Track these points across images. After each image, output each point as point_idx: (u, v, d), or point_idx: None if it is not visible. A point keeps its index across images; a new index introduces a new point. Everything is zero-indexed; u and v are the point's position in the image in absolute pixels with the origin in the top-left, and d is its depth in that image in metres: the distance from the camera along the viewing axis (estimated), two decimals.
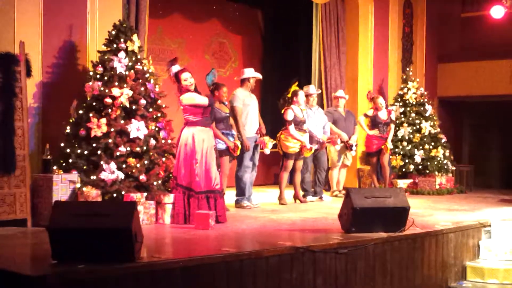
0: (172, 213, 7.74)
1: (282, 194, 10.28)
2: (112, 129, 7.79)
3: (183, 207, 7.75)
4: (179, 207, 7.74)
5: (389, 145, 11.86)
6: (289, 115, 10.00)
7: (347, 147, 11.52)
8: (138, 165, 7.78)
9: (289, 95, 10.13)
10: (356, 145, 11.62)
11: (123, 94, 7.90)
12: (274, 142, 9.97)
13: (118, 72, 8.06)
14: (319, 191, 11.05)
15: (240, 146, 9.08)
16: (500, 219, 8.57)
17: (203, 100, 7.90)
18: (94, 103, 7.93)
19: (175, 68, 8.00)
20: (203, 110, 7.91)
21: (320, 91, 12.01)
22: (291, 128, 9.97)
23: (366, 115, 12.02)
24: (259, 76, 9.95)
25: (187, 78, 7.90)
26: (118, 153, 7.74)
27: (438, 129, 13.56)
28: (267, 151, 9.79)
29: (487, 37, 14.88)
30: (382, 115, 11.86)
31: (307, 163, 10.66)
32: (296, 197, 10.48)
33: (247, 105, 9.68)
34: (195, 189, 7.77)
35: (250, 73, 9.85)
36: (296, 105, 10.10)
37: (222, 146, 8.80)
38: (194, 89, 7.96)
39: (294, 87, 10.17)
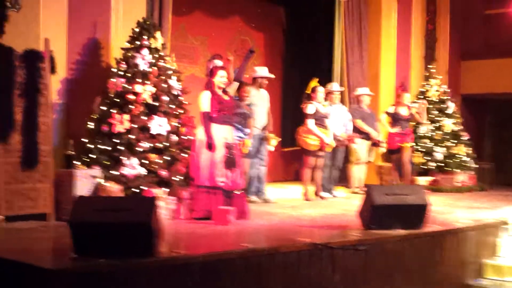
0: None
1: (306, 190, 10.32)
2: (135, 125, 7.87)
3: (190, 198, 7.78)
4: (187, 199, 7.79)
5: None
6: (309, 109, 10.02)
7: (375, 144, 11.51)
8: (159, 161, 7.86)
9: (308, 91, 10.17)
10: (383, 142, 11.63)
11: (145, 91, 7.98)
12: (279, 139, 10.06)
13: (141, 69, 8.13)
14: (331, 188, 11.02)
15: (247, 143, 9.11)
16: None
17: (203, 106, 7.83)
18: (117, 100, 8.01)
19: (218, 62, 8.10)
20: (220, 107, 7.86)
21: (343, 89, 12.00)
22: (310, 122, 9.98)
23: (387, 113, 12.00)
24: (265, 74, 9.97)
25: (224, 76, 7.98)
26: (140, 149, 7.83)
27: (461, 127, 13.50)
28: (271, 148, 9.89)
29: (511, 35, 14.79)
30: (403, 111, 11.84)
31: (328, 159, 10.67)
32: (317, 194, 10.50)
33: (254, 104, 9.73)
34: (197, 182, 7.79)
35: (260, 72, 9.94)
36: (314, 101, 10.12)
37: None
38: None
39: (313, 83, 10.19)
